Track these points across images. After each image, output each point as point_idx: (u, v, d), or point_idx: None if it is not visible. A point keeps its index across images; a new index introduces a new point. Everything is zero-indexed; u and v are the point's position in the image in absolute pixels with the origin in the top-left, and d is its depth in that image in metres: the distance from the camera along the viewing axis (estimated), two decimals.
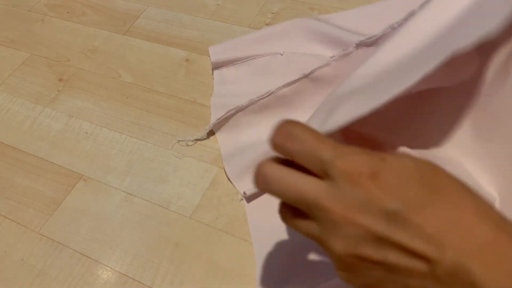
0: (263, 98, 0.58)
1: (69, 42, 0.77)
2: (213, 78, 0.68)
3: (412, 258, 0.20)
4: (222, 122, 0.59)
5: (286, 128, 0.23)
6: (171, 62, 0.71)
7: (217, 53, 0.68)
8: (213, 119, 0.59)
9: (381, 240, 0.20)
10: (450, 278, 0.19)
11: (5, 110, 0.68)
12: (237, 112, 0.58)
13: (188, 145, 0.59)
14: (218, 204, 0.54)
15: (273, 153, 0.25)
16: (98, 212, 0.55)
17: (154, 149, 0.60)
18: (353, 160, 0.21)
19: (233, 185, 0.54)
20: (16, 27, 0.82)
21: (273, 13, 0.77)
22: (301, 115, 0.54)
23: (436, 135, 0.40)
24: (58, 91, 0.70)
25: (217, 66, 0.67)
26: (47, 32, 0.80)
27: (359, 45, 0.55)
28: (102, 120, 0.65)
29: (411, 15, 0.41)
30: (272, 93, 0.58)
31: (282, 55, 0.65)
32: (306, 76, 0.58)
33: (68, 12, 0.84)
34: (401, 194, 0.20)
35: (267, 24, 0.75)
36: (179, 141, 0.60)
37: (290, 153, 0.23)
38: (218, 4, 0.80)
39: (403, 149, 0.39)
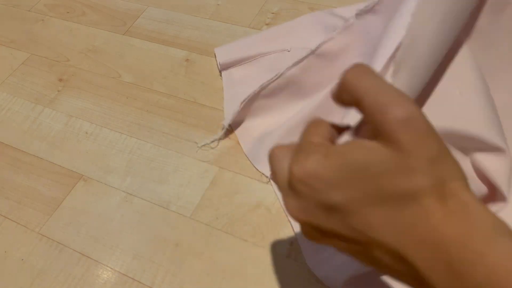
0: (273, 81, 0.58)
1: (69, 42, 0.77)
2: (213, 77, 0.68)
3: (351, 243, 0.22)
4: (238, 115, 0.60)
5: (271, 169, 0.26)
6: (171, 62, 0.71)
7: (224, 54, 0.68)
8: (228, 118, 0.59)
9: (327, 232, 0.23)
10: (392, 260, 0.21)
11: (5, 110, 0.68)
12: (249, 100, 0.59)
13: (212, 148, 0.59)
14: (218, 204, 0.54)
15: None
16: (98, 212, 0.55)
17: (154, 149, 0.60)
18: (299, 167, 0.23)
19: (257, 169, 0.56)
20: (16, 27, 0.82)
21: (273, 13, 0.77)
22: (310, 91, 0.56)
23: None
24: (58, 91, 0.70)
25: (225, 67, 0.67)
26: (47, 32, 0.80)
27: (359, 14, 0.56)
28: (102, 120, 0.65)
29: None
30: (281, 74, 0.59)
31: (289, 51, 0.65)
32: (312, 52, 0.58)
33: (68, 12, 0.84)
34: (343, 188, 0.21)
35: (267, 24, 0.75)
36: (201, 146, 0.59)
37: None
38: (218, 4, 0.80)
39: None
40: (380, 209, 0.20)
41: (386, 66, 0.38)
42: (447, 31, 0.32)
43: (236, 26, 0.76)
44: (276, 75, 0.58)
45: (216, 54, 0.69)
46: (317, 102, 0.53)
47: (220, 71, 0.67)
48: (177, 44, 0.74)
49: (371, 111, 0.21)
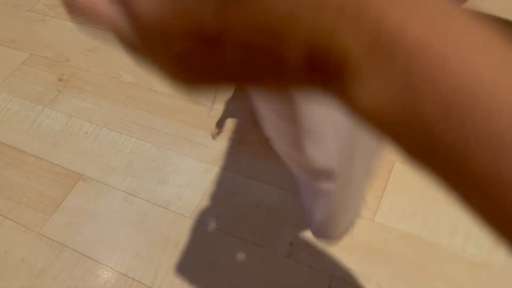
0: None
1: (69, 42, 0.77)
2: None
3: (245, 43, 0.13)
4: None
5: None
6: None
7: None
8: None
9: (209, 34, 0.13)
10: (303, 51, 0.13)
11: (5, 110, 0.68)
12: None
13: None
14: (218, 204, 0.54)
15: None
16: (98, 212, 0.55)
17: (154, 149, 0.60)
18: None
19: None
20: (16, 27, 0.82)
21: None
22: None
23: None
24: (58, 91, 0.70)
25: None
26: (47, 32, 0.80)
27: None
28: (102, 120, 0.65)
29: None
30: None
31: None
32: None
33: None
34: None
35: None
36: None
37: None
38: None
39: None
40: None
41: None
42: None
43: None
44: None
45: None
46: None
47: None
48: None
49: None
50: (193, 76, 0.15)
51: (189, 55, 0.14)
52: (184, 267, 0.49)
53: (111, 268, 0.50)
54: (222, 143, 0.60)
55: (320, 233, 0.45)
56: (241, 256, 0.49)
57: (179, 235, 0.52)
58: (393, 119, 0.14)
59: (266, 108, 0.34)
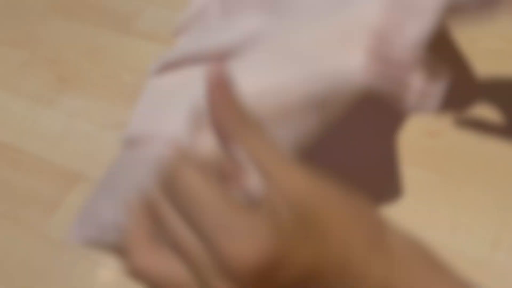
0: None
1: (69, 42, 0.77)
2: None
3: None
4: None
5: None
6: None
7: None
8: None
9: None
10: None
11: (5, 110, 0.68)
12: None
13: None
14: None
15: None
16: None
17: None
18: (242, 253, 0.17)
19: None
20: (16, 27, 0.82)
21: None
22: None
23: None
24: (58, 91, 0.70)
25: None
26: (47, 32, 0.80)
27: None
28: (102, 120, 0.65)
29: None
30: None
31: None
32: None
33: (68, 12, 0.84)
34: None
35: None
36: None
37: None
38: None
39: None
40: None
41: None
42: None
43: None
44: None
45: None
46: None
47: None
48: None
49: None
50: None
51: None
52: None
53: (111, 268, 0.50)
54: None
55: None
56: None
57: None
58: None
59: None
